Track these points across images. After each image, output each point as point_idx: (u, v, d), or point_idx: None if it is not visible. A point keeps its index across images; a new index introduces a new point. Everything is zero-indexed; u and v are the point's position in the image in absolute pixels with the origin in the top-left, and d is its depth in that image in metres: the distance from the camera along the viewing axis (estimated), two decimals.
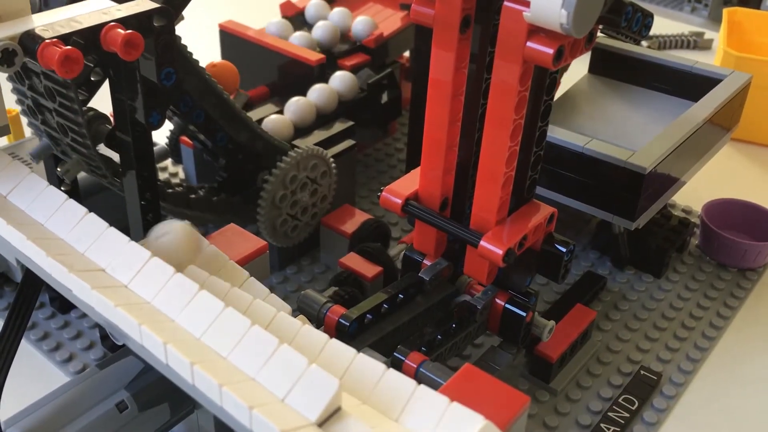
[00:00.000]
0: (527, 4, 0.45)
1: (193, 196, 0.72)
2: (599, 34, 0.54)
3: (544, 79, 0.55)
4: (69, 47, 0.45)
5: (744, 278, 0.81)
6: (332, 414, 0.38)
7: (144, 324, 0.41)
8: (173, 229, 0.49)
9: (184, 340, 0.41)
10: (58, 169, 0.62)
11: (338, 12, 0.94)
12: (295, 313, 0.50)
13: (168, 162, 0.93)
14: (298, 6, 0.98)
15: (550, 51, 0.47)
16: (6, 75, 0.54)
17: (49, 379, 0.66)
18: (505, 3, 0.48)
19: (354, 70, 0.88)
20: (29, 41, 0.47)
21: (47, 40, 0.46)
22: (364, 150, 0.97)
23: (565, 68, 0.81)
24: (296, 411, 0.38)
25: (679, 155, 0.73)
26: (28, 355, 0.68)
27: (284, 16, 0.98)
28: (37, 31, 0.47)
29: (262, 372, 0.40)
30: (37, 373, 0.66)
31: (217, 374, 0.38)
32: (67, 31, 0.47)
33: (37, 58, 0.46)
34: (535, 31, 0.48)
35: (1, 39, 0.46)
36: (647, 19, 0.53)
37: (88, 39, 0.48)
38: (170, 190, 0.71)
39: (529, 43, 0.48)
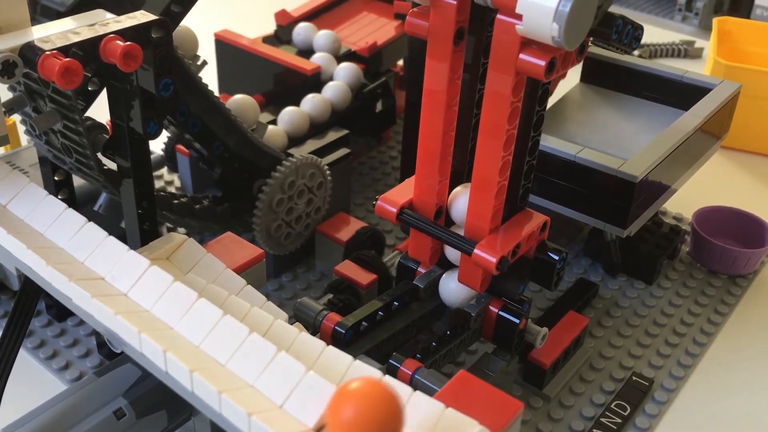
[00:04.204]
0: (519, 17, 0.46)
1: (176, 201, 0.72)
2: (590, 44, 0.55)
3: (537, 90, 0.55)
4: (69, 59, 0.46)
5: (734, 285, 0.82)
6: None
7: (144, 332, 0.41)
8: None
9: (184, 347, 0.42)
10: (31, 123, 0.59)
11: (303, 27, 0.94)
12: (291, 321, 0.51)
13: (163, 170, 0.93)
14: (292, 15, 0.99)
15: (542, 63, 0.48)
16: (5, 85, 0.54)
17: (45, 386, 0.66)
18: (498, 16, 0.49)
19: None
20: (29, 53, 0.47)
21: (47, 52, 0.46)
22: (358, 158, 0.98)
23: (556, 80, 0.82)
24: (294, 417, 0.38)
25: (670, 163, 0.74)
26: (24, 363, 0.68)
27: (279, 25, 0.99)
28: (36, 42, 0.48)
29: (261, 379, 0.40)
30: (34, 381, 0.67)
31: (216, 381, 0.39)
32: (67, 43, 0.48)
33: (37, 70, 0.46)
34: (528, 44, 0.49)
35: (1, 51, 0.47)
36: (637, 31, 0.54)
37: (88, 51, 0.48)
38: (176, 201, 0.72)
39: (521, 55, 0.49)
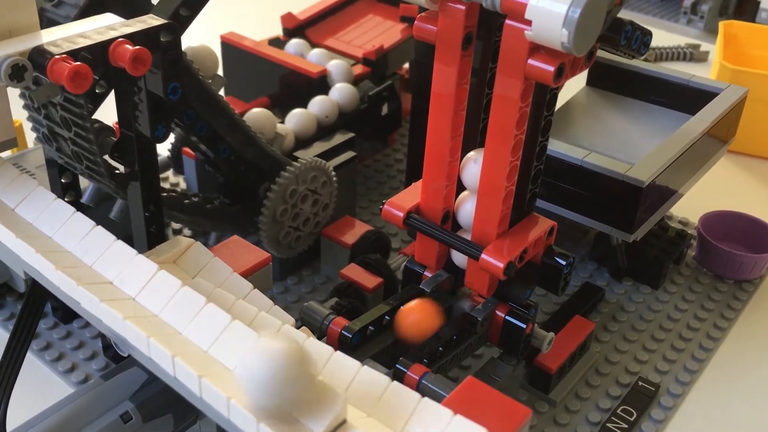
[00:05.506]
0: (528, 23, 0.46)
1: (187, 201, 0.72)
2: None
3: (545, 95, 0.55)
4: (78, 63, 0.46)
5: (740, 290, 0.81)
6: (338, 427, 0.38)
7: (152, 337, 0.41)
8: None
9: (192, 352, 0.42)
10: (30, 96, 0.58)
11: (294, 44, 0.94)
12: (297, 324, 0.51)
13: (169, 172, 0.93)
14: (299, 18, 0.99)
15: (551, 68, 0.48)
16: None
17: (51, 389, 0.66)
18: (507, 21, 0.49)
19: (355, 81, 0.89)
20: (39, 57, 0.47)
21: (57, 56, 0.46)
22: (363, 161, 0.98)
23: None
24: (303, 424, 0.38)
25: (677, 168, 0.74)
26: (30, 365, 0.68)
27: (285, 28, 0.99)
28: (46, 46, 0.48)
29: None
30: (40, 384, 0.67)
31: (225, 387, 0.39)
32: (76, 47, 0.48)
33: (46, 74, 0.46)
34: (536, 49, 0.49)
35: (11, 54, 0.47)
36: (646, 37, 0.54)
37: (97, 54, 0.48)
38: (187, 201, 0.72)
39: (530, 61, 0.49)
